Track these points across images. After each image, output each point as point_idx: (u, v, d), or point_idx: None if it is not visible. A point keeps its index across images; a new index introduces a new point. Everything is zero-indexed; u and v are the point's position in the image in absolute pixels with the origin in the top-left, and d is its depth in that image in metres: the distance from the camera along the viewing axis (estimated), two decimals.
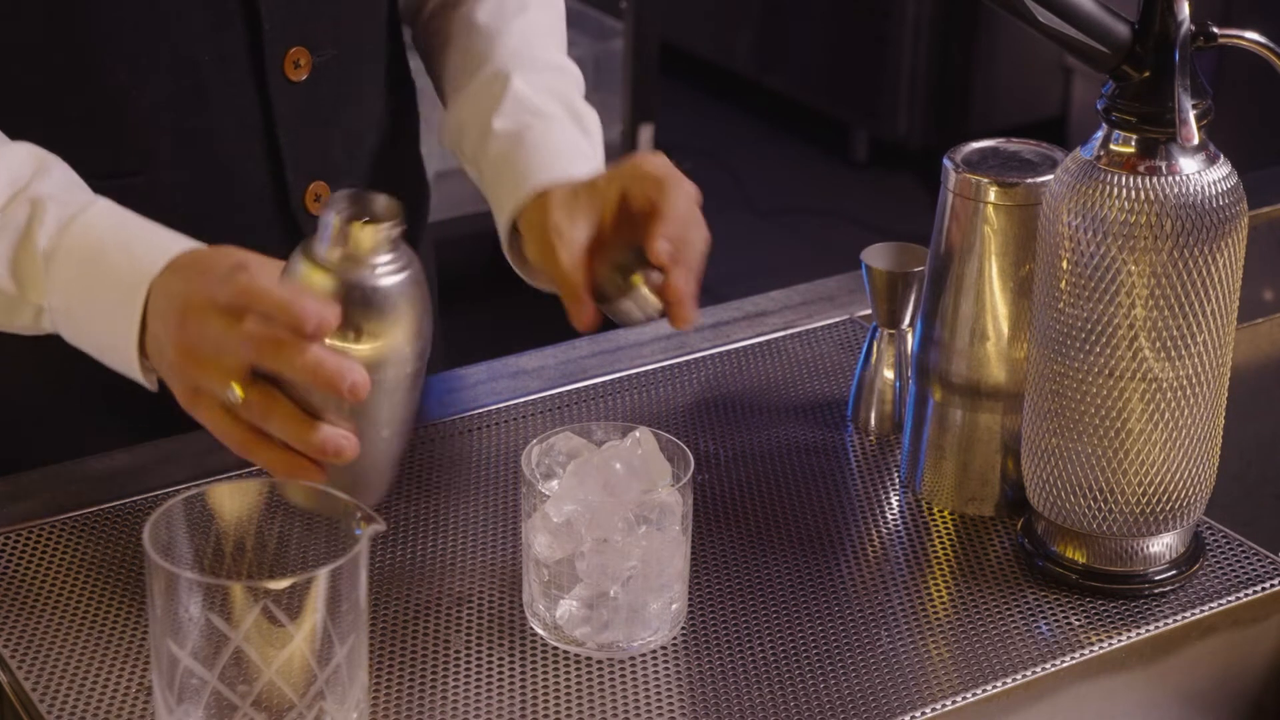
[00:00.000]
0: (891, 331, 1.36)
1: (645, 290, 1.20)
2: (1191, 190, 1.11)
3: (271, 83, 1.28)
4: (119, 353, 1.12)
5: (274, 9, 1.26)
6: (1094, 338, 1.14)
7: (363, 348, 1.05)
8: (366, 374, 1.04)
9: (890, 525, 1.27)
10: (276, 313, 1.04)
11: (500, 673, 1.12)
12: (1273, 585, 1.21)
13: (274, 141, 1.30)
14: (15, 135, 1.19)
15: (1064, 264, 1.14)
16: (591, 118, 1.37)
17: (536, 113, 1.33)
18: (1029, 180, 1.21)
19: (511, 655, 1.14)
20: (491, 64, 1.36)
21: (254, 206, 1.31)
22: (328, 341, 1.04)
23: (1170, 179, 1.11)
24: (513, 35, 1.37)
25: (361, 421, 1.07)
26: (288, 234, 1.32)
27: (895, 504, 1.29)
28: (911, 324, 1.35)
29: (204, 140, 1.28)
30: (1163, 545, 1.20)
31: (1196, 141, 1.10)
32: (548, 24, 1.41)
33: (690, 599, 1.18)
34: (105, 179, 1.21)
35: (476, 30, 1.38)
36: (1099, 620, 1.18)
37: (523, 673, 1.12)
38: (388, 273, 1.06)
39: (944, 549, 1.25)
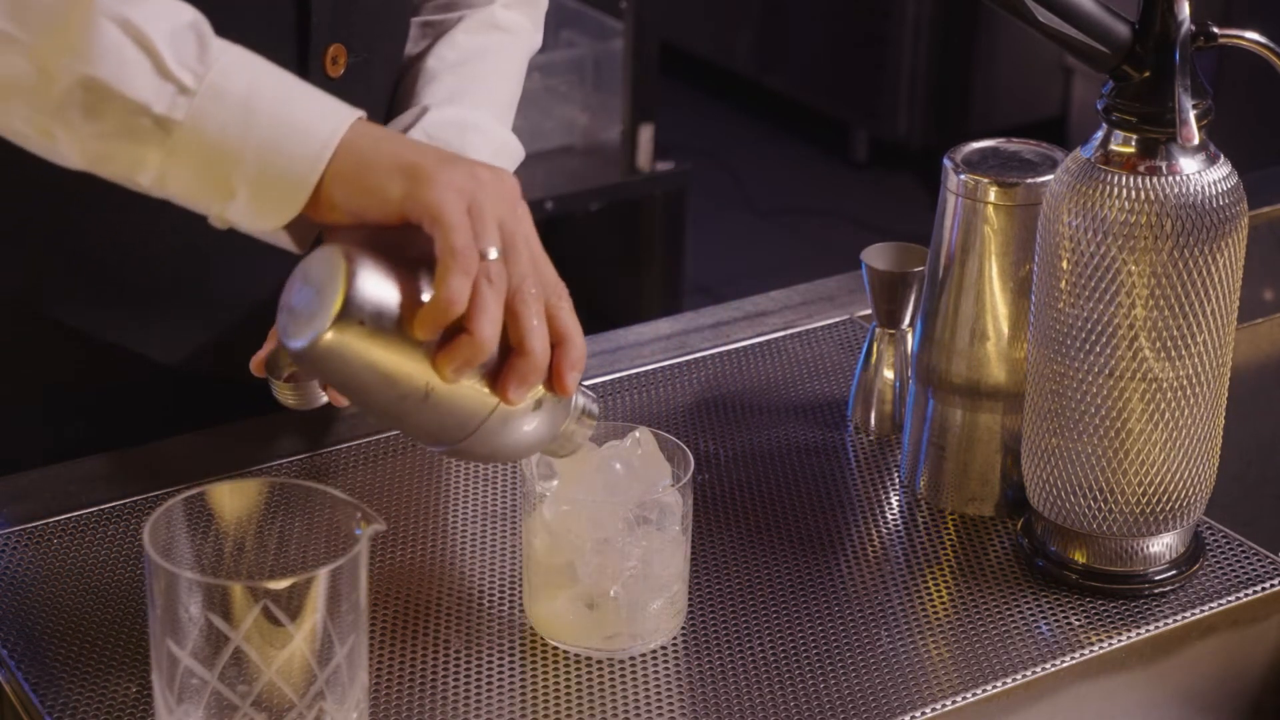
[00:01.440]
0: (891, 331, 1.36)
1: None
2: (1191, 190, 1.11)
3: (312, 75, 1.28)
4: (318, 128, 1.05)
5: (324, 1, 1.27)
6: (1094, 338, 1.14)
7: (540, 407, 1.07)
8: (527, 392, 1.04)
9: (890, 525, 1.27)
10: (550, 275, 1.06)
11: (500, 673, 1.12)
12: (1273, 585, 1.21)
13: None
14: None
15: (1064, 264, 1.14)
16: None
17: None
18: (1029, 180, 1.21)
19: (511, 655, 1.14)
20: (410, 110, 1.35)
21: None
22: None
23: (1170, 179, 1.11)
24: (443, 86, 1.37)
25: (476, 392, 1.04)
26: None
27: (895, 504, 1.29)
28: (911, 324, 1.35)
29: None
30: (1163, 545, 1.20)
31: (1196, 141, 1.10)
32: (487, 87, 1.39)
33: (690, 599, 1.18)
34: None
35: (419, 71, 1.38)
36: (1099, 620, 1.18)
37: (523, 673, 1.12)
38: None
39: (944, 549, 1.25)
